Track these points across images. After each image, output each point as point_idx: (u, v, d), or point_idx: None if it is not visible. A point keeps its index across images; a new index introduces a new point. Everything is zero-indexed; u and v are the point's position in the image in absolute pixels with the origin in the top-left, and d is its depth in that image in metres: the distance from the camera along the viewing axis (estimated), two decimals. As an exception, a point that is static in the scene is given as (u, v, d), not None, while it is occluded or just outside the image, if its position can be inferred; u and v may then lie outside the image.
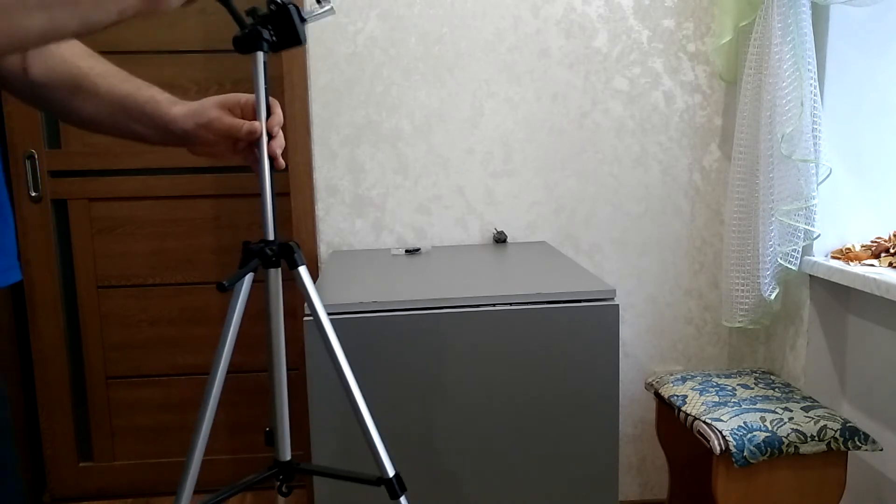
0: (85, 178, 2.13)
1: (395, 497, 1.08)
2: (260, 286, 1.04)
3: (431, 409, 1.32)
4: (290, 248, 1.04)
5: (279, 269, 1.06)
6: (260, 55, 0.97)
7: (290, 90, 1.90)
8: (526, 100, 1.95)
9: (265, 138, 0.98)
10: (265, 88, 0.98)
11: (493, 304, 1.31)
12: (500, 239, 1.97)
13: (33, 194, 2.11)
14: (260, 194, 1.02)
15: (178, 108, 0.93)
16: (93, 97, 0.89)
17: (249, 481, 1.10)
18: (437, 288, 1.39)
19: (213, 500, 1.02)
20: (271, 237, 1.03)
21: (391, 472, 1.07)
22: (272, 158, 0.98)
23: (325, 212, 1.96)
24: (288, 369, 1.13)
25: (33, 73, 0.86)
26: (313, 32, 1.89)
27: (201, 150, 0.97)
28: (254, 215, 2.17)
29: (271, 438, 1.16)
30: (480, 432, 1.33)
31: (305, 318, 1.28)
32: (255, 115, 0.97)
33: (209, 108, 0.94)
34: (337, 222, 1.97)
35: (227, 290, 0.94)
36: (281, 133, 0.99)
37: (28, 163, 2.09)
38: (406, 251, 1.87)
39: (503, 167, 1.97)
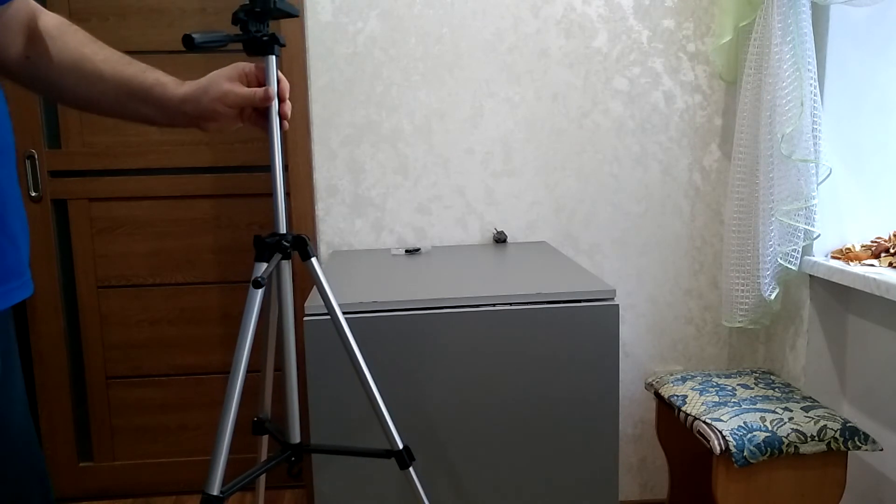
0: (85, 178, 2.13)
1: (405, 467, 1.13)
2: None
3: (431, 409, 1.32)
4: (303, 241, 1.08)
5: (290, 260, 1.11)
6: (272, 59, 1.02)
7: (290, 90, 1.90)
8: (526, 100, 1.95)
9: (277, 135, 1.04)
10: (276, 90, 1.03)
11: (493, 304, 1.31)
12: (500, 239, 1.97)
13: (33, 194, 2.11)
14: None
15: (186, 88, 0.96)
16: (97, 82, 0.90)
17: (265, 463, 1.15)
18: (437, 288, 1.39)
19: (236, 485, 1.03)
20: (283, 230, 1.08)
21: (400, 445, 1.12)
22: (282, 117, 1.05)
23: (325, 212, 1.96)
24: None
25: (36, 61, 0.87)
26: (313, 32, 1.89)
27: (212, 124, 1.00)
28: (253, 215, 2.17)
29: (261, 427, 1.23)
30: (480, 432, 1.33)
31: (306, 319, 1.28)
32: (259, 82, 1.03)
33: (220, 82, 0.97)
34: (337, 222, 1.97)
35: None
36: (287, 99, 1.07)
37: (28, 163, 2.09)
38: (406, 251, 1.87)
39: (503, 167, 1.97)
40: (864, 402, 1.76)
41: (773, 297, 1.74)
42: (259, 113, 1.05)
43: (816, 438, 1.49)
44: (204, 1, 2.08)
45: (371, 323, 1.29)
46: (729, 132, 1.99)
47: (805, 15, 1.63)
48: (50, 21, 0.88)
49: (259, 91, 1.00)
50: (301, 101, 1.91)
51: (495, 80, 1.94)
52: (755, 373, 1.84)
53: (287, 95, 1.06)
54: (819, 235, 1.71)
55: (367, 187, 1.96)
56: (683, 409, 1.64)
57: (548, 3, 1.91)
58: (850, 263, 1.65)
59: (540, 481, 1.35)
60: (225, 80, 0.97)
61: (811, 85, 1.63)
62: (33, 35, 0.86)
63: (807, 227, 1.69)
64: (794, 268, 1.72)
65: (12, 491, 0.79)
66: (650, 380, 1.87)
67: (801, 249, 1.72)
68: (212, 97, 0.95)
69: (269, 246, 1.05)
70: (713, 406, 1.60)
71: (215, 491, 1.00)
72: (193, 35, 0.95)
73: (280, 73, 1.05)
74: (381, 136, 1.94)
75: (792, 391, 1.70)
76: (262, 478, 1.31)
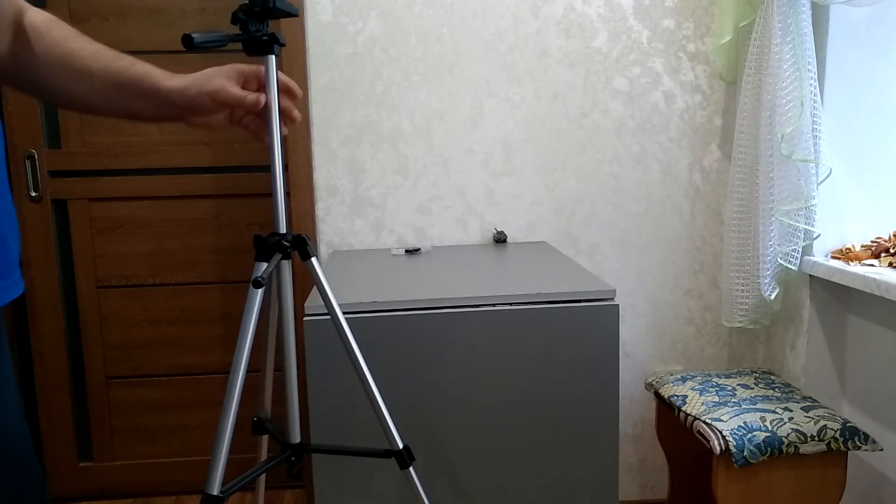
0: (85, 178, 2.13)
1: (405, 467, 1.13)
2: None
3: (431, 410, 1.32)
4: (303, 241, 1.09)
5: (290, 260, 1.11)
6: (272, 59, 1.02)
7: (290, 90, 1.90)
8: (526, 100, 1.95)
9: (277, 134, 1.03)
10: (276, 91, 1.02)
11: (493, 304, 1.31)
12: (500, 239, 1.97)
13: (33, 194, 2.11)
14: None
15: (177, 80, 0.94)
16: (86, 77, 0.89)
17: (265, 463, 1.15)
18: (437, 288, 1.39)
19: (236, 485, 1.04)
20: (283, 230, 1.08)
21: (400, 445, 1.12)
22: (293, 120, 1.03)
23: (325, 212, 1.96)
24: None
25: (23, 58, 0.86)
26: (313, 32, 1.89)
27: (199, 120, 0.98)
28: (253, 215, 2.17)
29: (261, 427, 1.23)
30: (480, 432, 1.33)
31: (306, 319, 1.28)
32: (257, 86, 1.01)
33: (214, 77, 0.96)
34: (337, 222, 1.97)
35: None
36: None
37: (28, 163, 2.09)
38: (406, 251, 1.87)
39: (503, 167, 1.97)
40: (864, 402, 1.76)
41: (773, 297, 1.74)
42: (256, 119, 1.03)
43: (816, 438, 1.49)
44: (204, 1, 2.08)
45: (371, 323, 1.29)
46: (729, 132, 1.99)
47: (805, 15, 1.63)
48: (37, 17, 0.87)
49: (251, 95, 0.98)
50: (301, 101, 1.91)
51: (495, 80, 1.94)
52: (755, 373, 1.84)
53: (297, 93, 1.03)
54: (819, 235, 1.71)
55: (367, 187, 1.96)
56: (683, 409, 1.64)
57: (548, 3, 1.91)
58: (850, 263, 1.65)
59: (540, 481, 1.35)
60: (222, 76, 0.96)
61: (811, 85, 1.63)
62: (20, 32, 0.85)
63: (807, 227, 1.69)
64: (794, 268, 1.72)
65: (8, 492, 0.79)
66: (650, 380, 1.87)
67: (801, 249, 1.72)
68: (204, 90, 0.94)
69: (269, 246, 1.05)
70: (713, 406, 1.60)
71: (215, 491, 1.00)
72: (193, 35, 0.95)
73: (287, 77, 1.03)
74: (381, 136, 1.94)
75: (792, 391, 1.70)
76: (262, 478, 1.31)
